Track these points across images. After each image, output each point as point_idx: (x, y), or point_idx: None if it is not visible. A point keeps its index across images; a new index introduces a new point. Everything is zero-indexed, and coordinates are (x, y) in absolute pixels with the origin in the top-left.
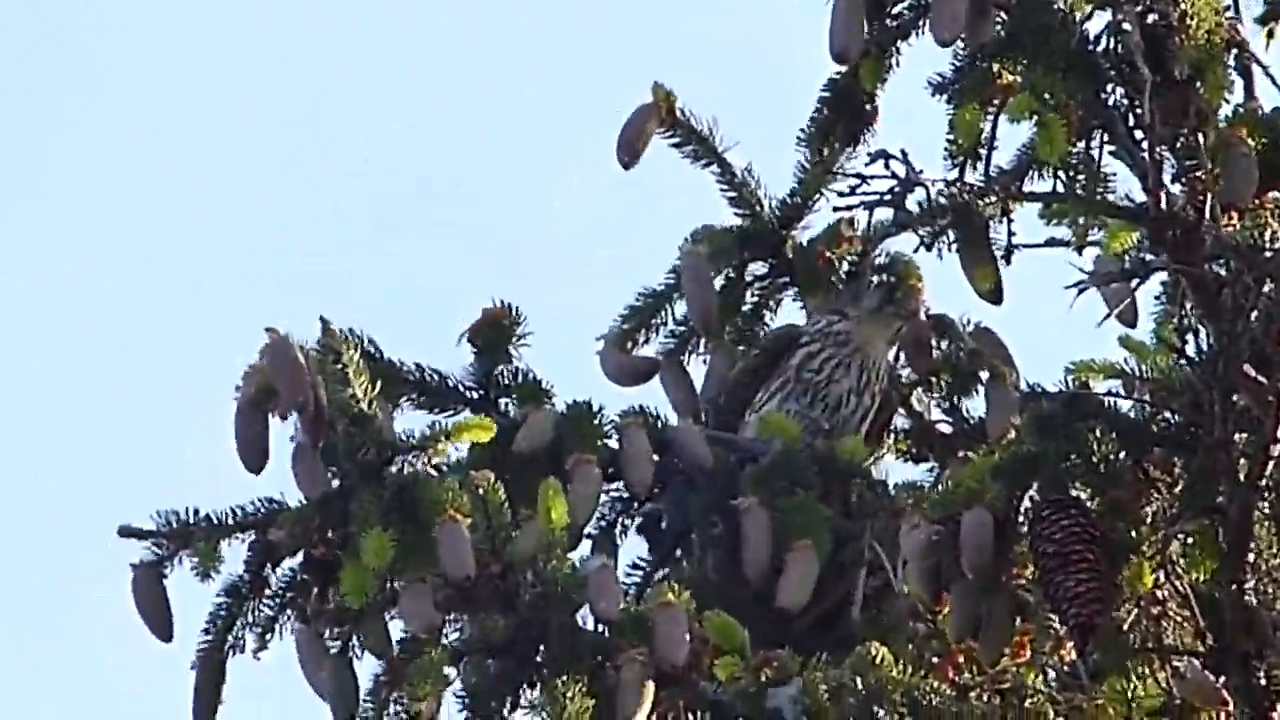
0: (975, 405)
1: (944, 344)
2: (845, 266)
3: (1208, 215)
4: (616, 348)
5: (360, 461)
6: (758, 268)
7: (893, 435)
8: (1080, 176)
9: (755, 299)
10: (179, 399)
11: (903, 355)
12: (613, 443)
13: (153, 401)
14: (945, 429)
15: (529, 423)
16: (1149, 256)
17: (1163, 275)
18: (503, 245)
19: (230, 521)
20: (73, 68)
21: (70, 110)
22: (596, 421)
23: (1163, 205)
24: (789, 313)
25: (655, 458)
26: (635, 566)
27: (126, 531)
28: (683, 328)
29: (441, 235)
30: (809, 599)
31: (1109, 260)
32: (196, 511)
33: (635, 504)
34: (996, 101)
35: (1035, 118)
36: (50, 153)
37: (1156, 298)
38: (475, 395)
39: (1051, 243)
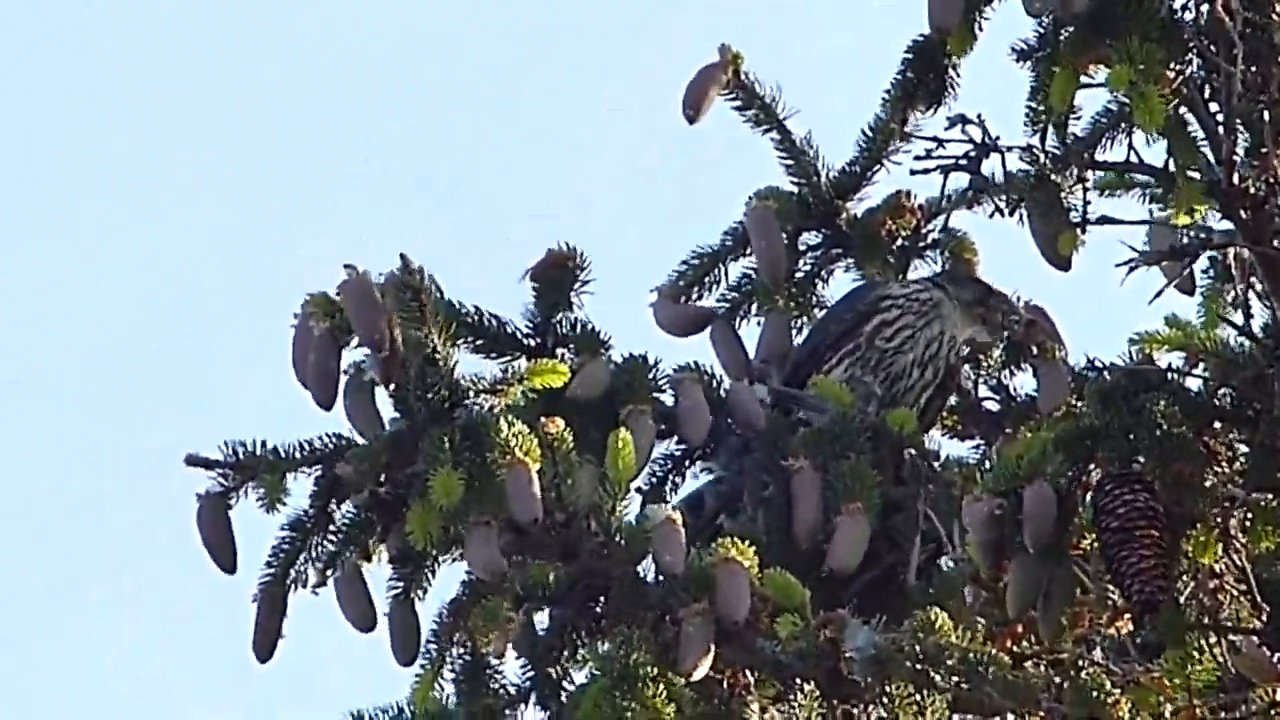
0: (1021, 383)
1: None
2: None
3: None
4: (670, 299)
5: (431, 402)
6: (810, 237)
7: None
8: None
9: (808, 267)
10: (178, 399)
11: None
12: (666, 398)
13: (152, 402)
14: (992, 406)
15: (584, 372)
16: (1215, 231)
17: (1213, 252)
18: (502, 245)
19: (298, 455)
20: (73, 68)
21: (70, 110)
22: (652, 375)
23: (1235, 180)
24: (841, 282)
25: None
26: None
27: (194, 460)
28: (735, 293)
29: (441, 235)
30: (859, 563)
31: (1161, 236)
32: (264, 443)
33: (686, 461)
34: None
35: (1131, 86)
36: (50, 153)
37: (1204, 272)
38: (532, 343)
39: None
